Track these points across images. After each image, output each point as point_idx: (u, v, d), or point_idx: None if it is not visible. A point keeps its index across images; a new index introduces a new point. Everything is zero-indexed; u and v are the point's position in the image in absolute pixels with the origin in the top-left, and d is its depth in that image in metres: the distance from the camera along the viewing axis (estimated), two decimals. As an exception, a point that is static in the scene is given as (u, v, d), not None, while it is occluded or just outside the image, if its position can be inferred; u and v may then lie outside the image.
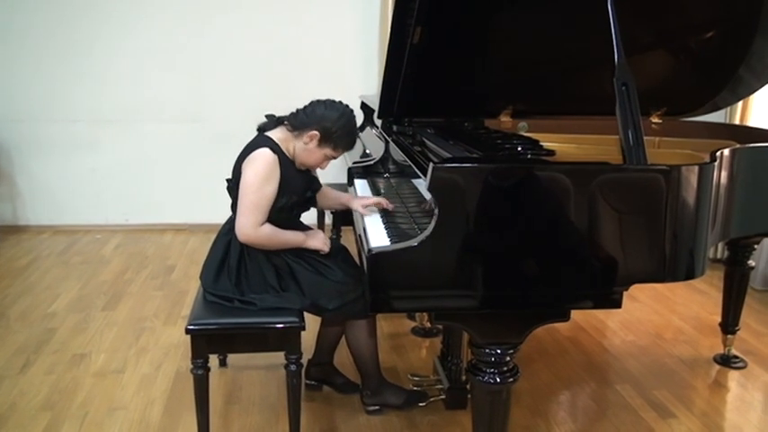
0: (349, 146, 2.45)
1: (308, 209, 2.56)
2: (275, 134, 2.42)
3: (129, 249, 4.95)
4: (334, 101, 2.42)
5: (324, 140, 2.38)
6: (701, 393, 2.95)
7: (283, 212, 2.38)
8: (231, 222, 2.47)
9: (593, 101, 2.48)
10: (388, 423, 2.65)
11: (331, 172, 4.31)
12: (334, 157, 2.46)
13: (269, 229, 2.34)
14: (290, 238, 2.40)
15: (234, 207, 2.44)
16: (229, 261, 2.43)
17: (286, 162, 2.39)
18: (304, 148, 2.40)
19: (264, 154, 2.32)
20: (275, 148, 2.36)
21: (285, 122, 2.44)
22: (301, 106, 2.44)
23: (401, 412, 2.69)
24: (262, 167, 2.31)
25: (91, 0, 5.03)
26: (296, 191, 2.40)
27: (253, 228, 2.31)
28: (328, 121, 2.36)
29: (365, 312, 2.41)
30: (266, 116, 2.50)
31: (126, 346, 3.30)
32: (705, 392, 2.96)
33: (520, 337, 1.90)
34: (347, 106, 2.43)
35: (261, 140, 2.39)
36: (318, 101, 2.42)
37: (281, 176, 2.34)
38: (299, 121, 2.40)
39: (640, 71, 2.08)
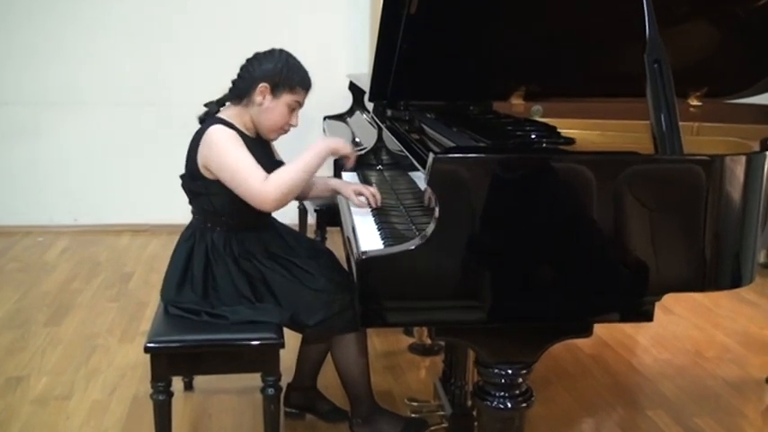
0: (304, 82, 2.48)
1: None
2: (224, 113, 2.48)
3: (77, 254, 4.95)
4: (262, 52, 2.49)
5: (276, 88, 2.43)
6: (752, 421, 2.97)
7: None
8: (193, 227, 2.49)
9: (619, 81, 2.48)
10: (381, 456, 2.66)
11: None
12: (299, 104, 2.49)
13: (275, 175, 2.33)
14: (307, 157, 2.35)
15: (193, 204, 2.49)
16: (193, 270, 2.44)
17: (246, 139, 2.42)
18: (261, 110, 2.44)
19: (218, 129, 2.37)
20: (228, 123, 2.41)
21: (228, 99, 2.50)
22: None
23: (397, 444, 2.70)
24: (223, 140, 2.35)
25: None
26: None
27: (262, 187, 2.29)
28: (270, 70, 2.42)
29: (354, 326, 2.42)
30: (205, 105, 2.54)
31: (73, 368, 3.30)
32: (757, 420, 2.98)
33: (534, 355, 1.91)
34: (280, 50, 2.49)
35: (207, 123, 2.43)
36: (248, 61, 2.49)
37: None
38: (239, 89, 2.46)
39: (676, 45, 2.09)
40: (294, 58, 2.49)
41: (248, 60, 2.49)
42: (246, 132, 2.46)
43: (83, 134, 5.31)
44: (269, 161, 2.53)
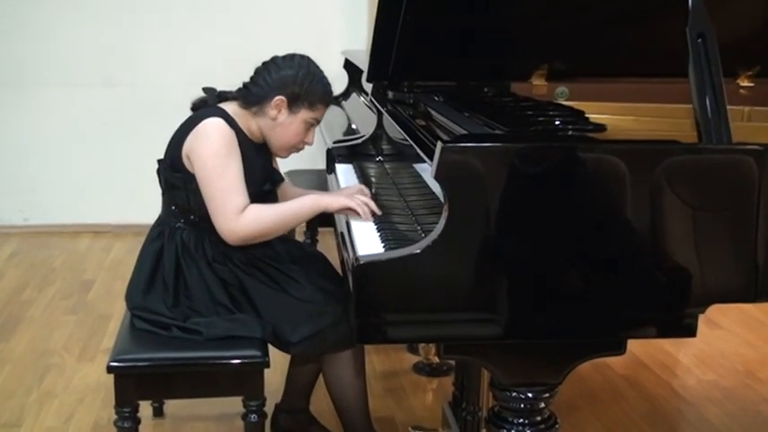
0: (325, 97, 2.49)
1: None
2: (228, 107, 2.46)
3: (28, 259, 4.95)
4: (281, 57, 2.47)
5: (294, 103, 2.42)
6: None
7: None
8: (162, 224, 2.50)
9: (656, 58, 2.48)
10: (381, 493, 2.67)
11: (308, 154, 4.29)
12: (317, 121, 2.50)
13: (255, 210, 2.35)
14: (294, 208, 2.41)
15: (165, 196, 2.50)
16: (163, 273, 2.45)
17: (245, 142, 2.43)
18: (274, 124, 2.44)
19: (217, 124, 2.36)
20: (230, 120, 2.40)
21: (234, 99, 2.49)
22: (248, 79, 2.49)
23: (399, 479, 2.71)
24: (218, 141, 2.34)
25: None
26: (253, 180, 2.42)
27: (234, 219, 2.32)
28: (289, 80, 2.41)
29: (348, 343, 2.43)
30: (204, 90, 2.54)
31: (23, 391, 3.31)
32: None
33: (558, 375, 1.92)
34: (302, 56, 2.48)
35: (209, 111, 2.42)
36: (264, 65, 2.47)
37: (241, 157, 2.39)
38: (253, 95, 2.44)
39: (723, 16, 2.09)
40: (317, 68, 2.48)
41: (265, 64, 2.47)
42: (250, 137, 2.46)
43: (33, 120, 5.31)
44: (266, 171, 2.55)
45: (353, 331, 1.82)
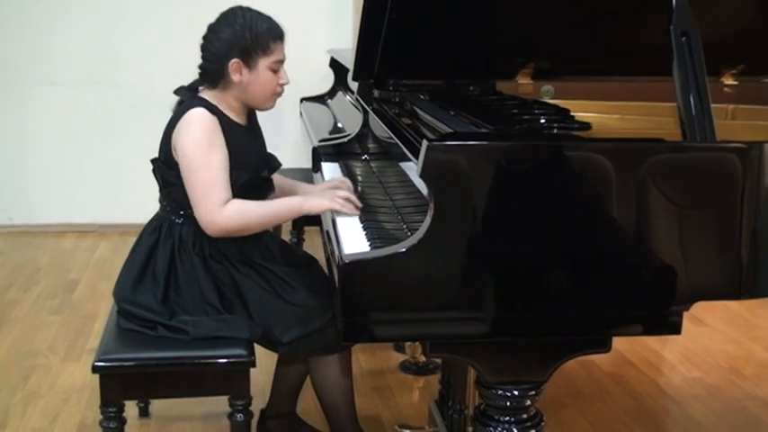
0: (273, 33, 2.46)
1: (265, 197, 2.55)
2: (205, 95, 2.47)
3: (12, 258, 4.93)
4: (213, 23, 2.47)
5: (248, 58, 2.41)
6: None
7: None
8: (160, 219, 2.49)
9: (642, 56, 2.49)
10: (368, 492, 2.67)
11: (294, 152, 4.28)
12: (280, 62, 2.48)
13: (238, 204, 2.35)
14: (277, 208, 2.42)
15: (163, 193, 2.49)
16: (155, 268, 2.44)
17: (231, 125, 2.43)
18: (244, 86, 2.43)
19: (199, 114, 2.37)
20: (212, 107, 2.40)
21: (201, 87, 2.50)
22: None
23: (386, 477, 2.71)
24: (199, 130, 2.34)
25: None
26: (247, 165, 2.42)
27: (216, 210, 2.32)
28: (231, 40, 2.40)
29: (335, 347, 2.44)
30: (176, 92, 2.54)
31: (8, 391, 3.29)
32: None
33: (544, 373, 1.92)
34: (231, 9, 2.47)
35: (191, 102, 2.42)
36: (204, 38, 2.47)
37: (228, 143, 2.38)
38: (210, 74, 2.45)
39: (707, 15, 2.09)
40: (250, 11, 2.46)
41: (204, 38, 2.47)
42: (234, 118, 2.46)
43: (18, 119, 5.28)
44: (262, 156, 2.56)
45: (340, 334, 1.82)
